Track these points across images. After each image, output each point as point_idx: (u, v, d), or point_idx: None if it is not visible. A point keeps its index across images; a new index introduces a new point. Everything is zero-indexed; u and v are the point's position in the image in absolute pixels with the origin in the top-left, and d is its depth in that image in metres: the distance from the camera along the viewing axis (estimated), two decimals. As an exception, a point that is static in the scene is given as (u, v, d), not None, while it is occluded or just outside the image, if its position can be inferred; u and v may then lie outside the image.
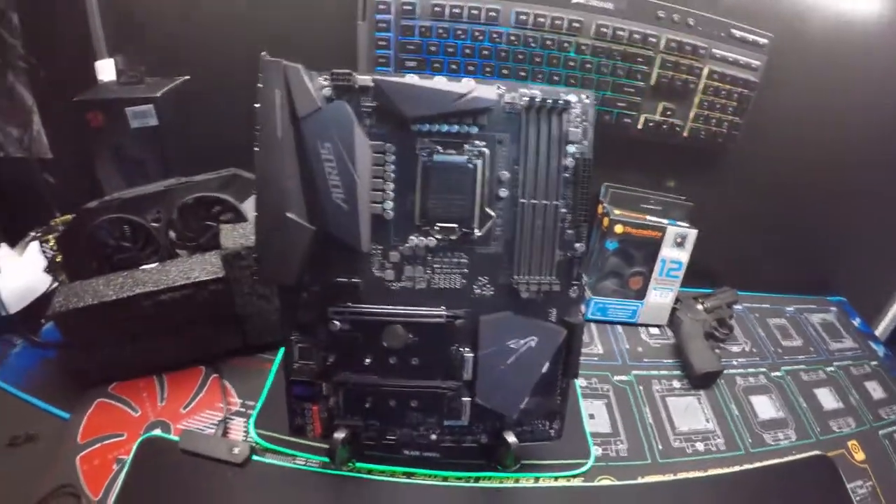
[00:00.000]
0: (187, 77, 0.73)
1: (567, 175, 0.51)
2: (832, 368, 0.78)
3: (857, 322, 0.87)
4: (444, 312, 0.51)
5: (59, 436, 0.58)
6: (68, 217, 0.67)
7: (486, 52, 0.67)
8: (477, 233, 0.50)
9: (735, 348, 0.78)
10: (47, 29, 0.77)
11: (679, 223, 0.74)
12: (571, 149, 0.51)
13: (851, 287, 0.90)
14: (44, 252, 0.65)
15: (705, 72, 0.70)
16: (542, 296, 0.52)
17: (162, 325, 0.62)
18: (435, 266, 0.51)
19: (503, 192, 0.50)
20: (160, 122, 0.66)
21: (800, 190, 0.82)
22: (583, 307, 0.54)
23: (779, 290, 0.89)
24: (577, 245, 0.52)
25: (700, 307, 0.77)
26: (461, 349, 0.52)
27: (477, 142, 0.49)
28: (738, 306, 0.83)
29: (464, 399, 0.53)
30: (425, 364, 0.52)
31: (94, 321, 0.60)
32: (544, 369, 0.52)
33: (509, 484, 0.58)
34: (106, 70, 0.73)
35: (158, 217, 0.63)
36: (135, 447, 0.57)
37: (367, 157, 0.47)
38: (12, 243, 0.75)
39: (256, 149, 0.45)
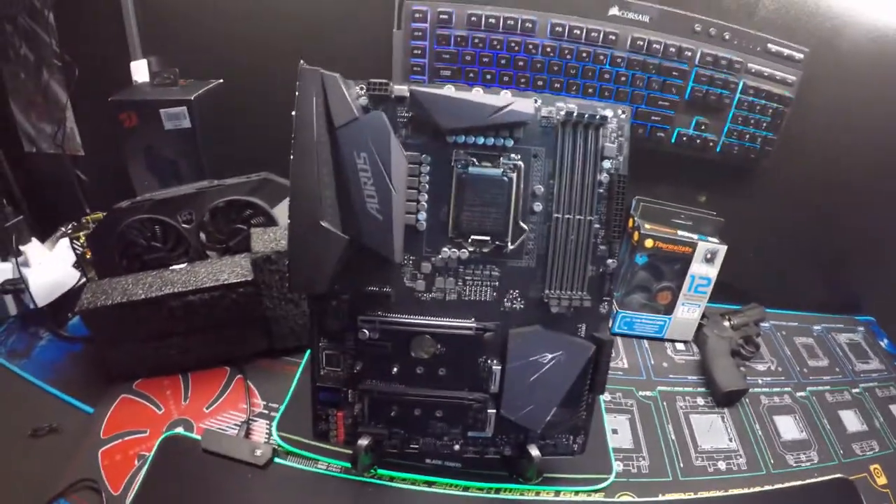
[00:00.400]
0: (221, 80, 0.73)
1: (601, 191, 0.50)
2: (858, 390, 0.76)
3: (884, 343, 0.85)
4: (473, 325, 0.50)
5: (82, 429, 0.59)
6: (99, 215, 0.68)
7: (521, 63, 0.66)
8: (510, 246, 0.50)
9: (761, 367, 0.76)
10: (82, 28, 0.78)
11: (709, 238, 0.73)
12: (606, 164, 0.50)
13: (881, 307, 0.88)
14: (73, 248, 0.66)
15: (740, 86, 0.69)
16: (573, 311, 0.51)
17: (189, 325, 0.62)
18: (466, 278, 0.50)
19: (537, 207, 0.50)
20: (193, 125, 0.66)
21: (831, 207, 0.80)
22: (610, 320, 0.53)
23: (807, 309, 0.87)
24: (610, 261, 0.51)
25: (727, 324, 0.76)
26: (489, 361, 0.52)
27: (512, 155, 0.49)
28: (764, 324, 0.81)
29: (489, 411, 0.53)
30: (452, 375, 0.52)
31: (122, 319, 0.60)
32: (570, 385, 0.52)
33: (530, 496, 0.57)
34: (140, 71, 0.74)
35: (189, 219, 0.63)
36: (157, 444, 0.57)
37: (403, 168, 0.47)
38: (43, 238, 0.76)
39: (292, 156, 0.45)
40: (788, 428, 0.69)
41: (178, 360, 0.65)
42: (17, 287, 0.69)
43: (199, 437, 0.58)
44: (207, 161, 0.69)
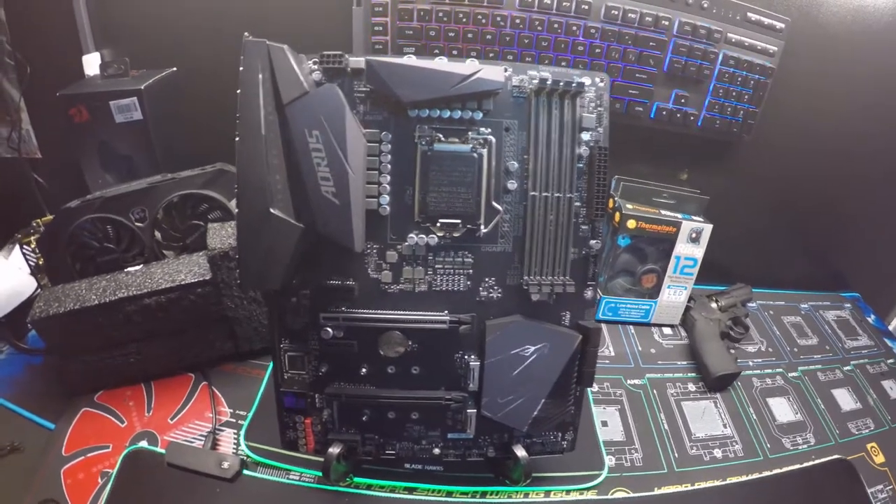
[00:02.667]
0: (174, 69, 0.65)
1: (581, 165, 0.44)
2: (849, 367, 0.71)
3: (871, 319, 0.80)
4: (446, 317, 0.44)
5: (43, 447, 0.53)
6: (49, 218, 0.60)
7: (488, 37, 0.59)
8: (483, 229, 0.43)
9: (751, 348, 0.71)
10: (33, 23, 0.70)
11: (693, 217, 0.66)
12: (586, 136, 0.44)
13: (866, 283, 0.83)
14: (25, 255, 0.58)
15: (720, 57, 0.63)
16: (555, 298, 0.45)
17: (148, 330, 0.55)
18: (437, 266, 0.44)
19: (512, 185, 0.43)
20: (145, 116, 0.59)
21: (814, 182, 0.75)
22: (595, 308, 0.47)
23: (792, 287, 0.82)
24: (593, 242, 0.45)
25: (714, 305, 0.70)
26: (466, 357, 0.45)
27: (482, 129, 0.42)
28: (752, 304, 0.76)
29: (469, 411, 0.46)
30: (427, 373, 0.46)
31: (77, 327, 0.54)
32: (556, 379, 0.45)
33: (518, 499, 0.51)
34: (92, 64, 0.66)
35: (143, 216, 0.56)
36: (119, 460, 0.50)
37: (361, 147, 0.40)
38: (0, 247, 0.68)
39: (237, 138, 0.38)
40: (783, 410, 0.64)
41: (139, 368, 0.58)
42: (-29, 300, 0.61)
43: (163, 452, 0.51)
44: (161, 155, 0.62)
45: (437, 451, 0.48)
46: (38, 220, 0.61)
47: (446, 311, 0.44)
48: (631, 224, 0.64)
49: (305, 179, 0.39)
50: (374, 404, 0.46)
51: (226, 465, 0.51)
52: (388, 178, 0.42)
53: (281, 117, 0.39)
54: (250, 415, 0.56)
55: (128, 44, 0.67)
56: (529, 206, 0.43)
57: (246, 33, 0.39)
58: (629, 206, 0.65)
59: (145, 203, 0.55)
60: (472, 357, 0.45)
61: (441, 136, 0.42)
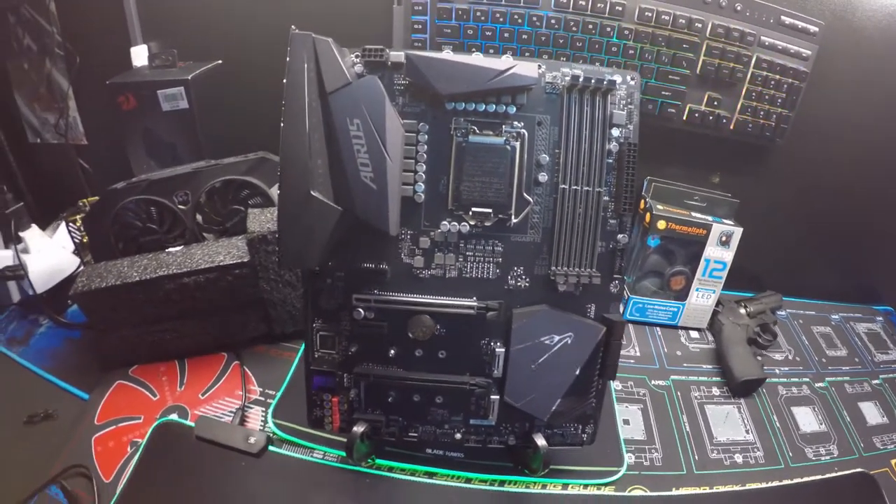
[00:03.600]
0: (219, 61, 0.69)
1: (610, 161, 0.46)
2: (877, 381, 0.70)
3: None
4: (475, 304, 0.46)
5: (76, 416, 0.56)
6: (95, 199, 0.64)
7: (524, 37, 0.62)
8: (513, 219, 0.45)
9: (778, 356, 0.71)
10: (83, 15, 0.75)
11: (724, 220, 0.67)
12: (616, 132, 0.45)
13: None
14: (70, 233, 0.62)
15: (753, 60, 0.64)
16: (581, 289, 0.47)
17: (185, 308, 0.58)
18: (467, 254, 0.46)
19: (542, 177, 0.45)
20: (191, 105, 0.63)
21: (850, 191, 0.74)
22: (621, 305, 0.48)
23: (824, 297, 0.81)
24: (621, 236, 0.46)
25: (743, 311, 0.70)
26: (492, 344, 0.47)
27: (515, 123, 0.45)
28: (781, 312, 0.75)
29: (492, 397, 0.48)
30: (453, 358, 0.48)
31: (117, 302, 0.57)
32: (579, 370, 0.47)
33: (536, 489, 0.52)
34: (140, 56, 0.71)
35: (186, 199, 0.59)
36: (149, 431, 0.54)
37: (399, 136, 0.43)
38: (43, 226, 0.72)
39: (283, 124, 0.41)
40: (807, 420, 0.63)
41: (174, 345, 0.61)
42: (17, 273, 0.65)
43: (192, 424, 0.54)
44: (205, 142, 0.65)
45: (458, 435, 0.50)
46: (85, 200, 0.65)
47: (475, 298, 0.46)
48: (661, 225, 0.65)
49: (346, 165, 0.41)
50: (401, 386, 0.48)
51: (252, 440, 0.54)
52: (424, 167, 0.44)
53: (324, 106, 0.42)
54: (279, 394, 0.58)
55: (174, 37, 0.72)
56: (559, 199, 0.45)
57: (293, 26, 0.42)
58: (660, 206, 0.66)
59: (189, 187, 0.59)
60: (498, 344, 0.47)
61: (476, 128, 0.44)
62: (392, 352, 0.47)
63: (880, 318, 0.80)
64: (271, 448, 0.53)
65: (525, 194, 0.45)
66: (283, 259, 0.43)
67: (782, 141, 0.68)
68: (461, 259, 0.46)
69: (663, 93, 0.64)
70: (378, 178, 0.42)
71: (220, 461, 0.52)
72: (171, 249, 0.59)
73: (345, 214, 0.42)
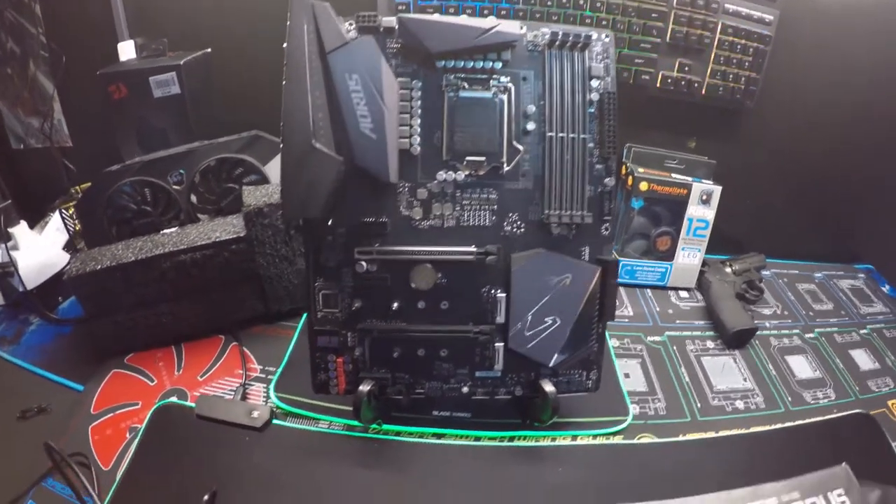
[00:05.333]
0: (208, 50, 0.72)
1: (592, 111, 0.50)
2: (865, 331, 0.74)
3: (886, 288, 0.83)
4: (474, 249, 0.48)
5: (71, 407, 0.56)
6: (88, 185, 0.66)
7: (503, 12, 0.67)
8: (506, 167, 0.49)
9: (766, 311, 0.75)
10: (69, 14, 0.77)
11: (703, 181, 0.72)
12: (595, 83, 0.50)
13: (878, 255, 0.86)
14: (64, 221, 0.63)
15: (719, 26, 0.70)
16: (574, 232, 0.50)
17: (181, 288, 0.59)
18: (464, 203, 0.49)
19: (530, 126, 0.49)
20: (183, 90, 0.66)
21: (822, 152, 0.80)
22: (612, 244, 0.51)
23: (804, 259, 0.86)
24: (607, 180, 0.50)
25: (728, 270, 0.75)
26: (492, 290, 0.50)
27: (502, 78, 0.49)
28: (765, 272, 0.80)
29: (496, 345, 0.50)
30: (455, 308, 0.50)
31: (112, 284, 0.58)
32: (579, 311, 0.49)
33: (546, 443, 0.54)
34: (127, 51, 0.74)
35: (180, 180, 0.61)
36: (149, 415, 0.54)
37: (394, 91, 0.46)
38: (32, 225, 0.73)
39: (284, 82, 0.44)
40: (802, 367, 0.67)
41: (170, 329, 0.62)
42: (7, 270, 0.66)
43: (192, 405, 0.55)
44: (197, 126, 0.68)
45: (465, 389, 0.52)
46: (77, 187, 0.67)
47: (473, 246, 0.49)
48: (643, 186, 0.70)
49: (346, 117, 0.45)
50: (405, 339, 0.50)
51: (255, 414, 0.54)
52: (419, 121, 0.48)
53: (324, 64, 0.45)
54: (280, 368, 0.60)
55: (162, 31, 0.75)
56: (547, 147, 0.49)
57: None
58: (641, 169, 0.70)
59: (183, 166, 0.61)
60: (499, 290, 0.50)
61: (465, 84, 0.48)
62: (395, 305, 0.49)
63: (862, 276, 0.85)
64: (275, 421, 0.54)
65: (515, 143, 0.49)
66: (287, 210, 0.45)
67: (752, 104, 0.74)
68: (458, 208, 0.49)
69: (636, 61, 0.70)
70: (377, 129, 0.45)
71: (224, 438, 0.52)
72: (166, 231, 0.61)
73: (345, 164, 0.45)
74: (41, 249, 0.69)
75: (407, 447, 0.53)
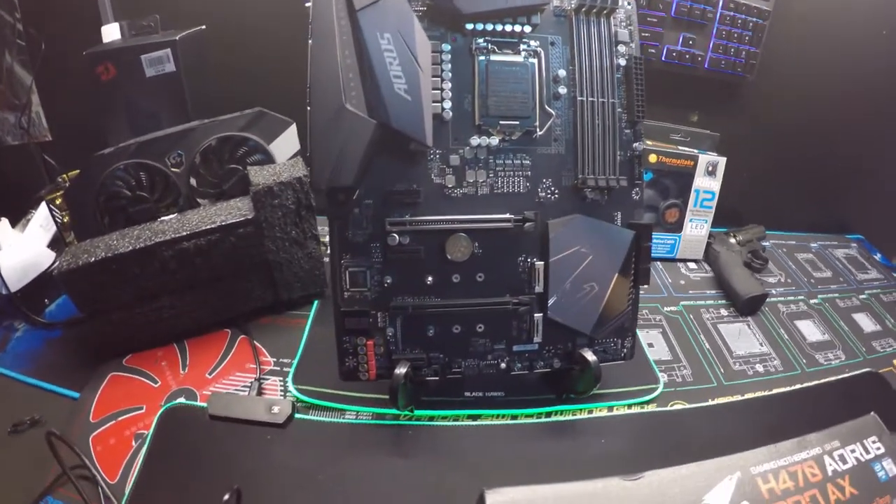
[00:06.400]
0: (203, 27, 0.68)
1: (619, 76, 0.50)
2: (864, 296, 0.78)
3: (878, 256, 0.88)
4: (511, 216, 0.47)
5: (68, 417, 0.51)
6: (76, 172, 0.60)
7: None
8: (538, 132, 0.48)
9: (771, 279, 0.78)
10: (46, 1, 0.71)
11: (708, 152, 0.73)
12: (622, 49, 0.50)
13: (869, 226, 0.91)
14: (52, 213, 0.58)
15: (720, 1, 0.72)
16: (607, 197, 0.50)
17: (183, 279, 0.55)
18: (497, 169, 0.48)
19: (562, 90, 0.48)
20: (178, 68, 0.61)
21: (816, 126, 0.83)
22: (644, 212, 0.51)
23: (800, 230, 0.90)
24: (636, 144, 0.50)
25: (733, 240, 0.77)
26: (529, 260, 0.49)
27: (531, 42, 0.48)
28: (765, 243, 0.83)
29: (535, 315, 0.49)
30: (491, 280, 0.49)
31: (108, 278, 0.53)
32: (616, 277, 0.49)
33: (583, 416, 0.53)
34: (112, 34, 0.68)
35: (179, 161, 0.57)
36: (155, 420, 0.50)
37: (427, 50, 0.45)
38: (13, 224, 0.67)
39: (311, 41, 0.42)
40: (811, 331, 0.69)
41: (172, 325, 0.57)
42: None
43: (204, 405, 0.51)
44: (193, 107, 0.64)
45: (503, 365, 0.51)
46: (65, 175, 0.61)
47: (509, 214, 0.48)
48: (652, 158, 0.71)
49: (379, 79, 0.43)
50: (440, 315, 0.48)
51: (276, 409, 0.51)
52: (450, 85, 0.46)
53: (353, 22, 0.43)
54: (297, 359, 0.56)
55: (147, 12, 0.70)
56: (578, 111, 0.48)
57: None
58: (648, 142, 0.71)
59: (182, 147, 0.57)
60: (536, 259, 0.48)
61: (496, 48, 0.47)
62: (429, 279, 0.47)
63: (854, 245, 0.90)
64: (297, 416, 0.51)
65: (547, 107, 0.48)
66: (316, 178, 0.43)
67: (752, 77, 0.77)
68: (492, 174, 0.48)
69: (643, 34, 0.71)
70: (412, 90, 0.43)
71: (242, 438, 0.49)
72: (164, 218, 0.57)
73: (379, 127, 0.43)
74: (24, 248, 0.63)
75: (444, 431, 0.51)
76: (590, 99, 0.49)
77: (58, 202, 0.58)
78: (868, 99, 0.81)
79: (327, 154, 0.42)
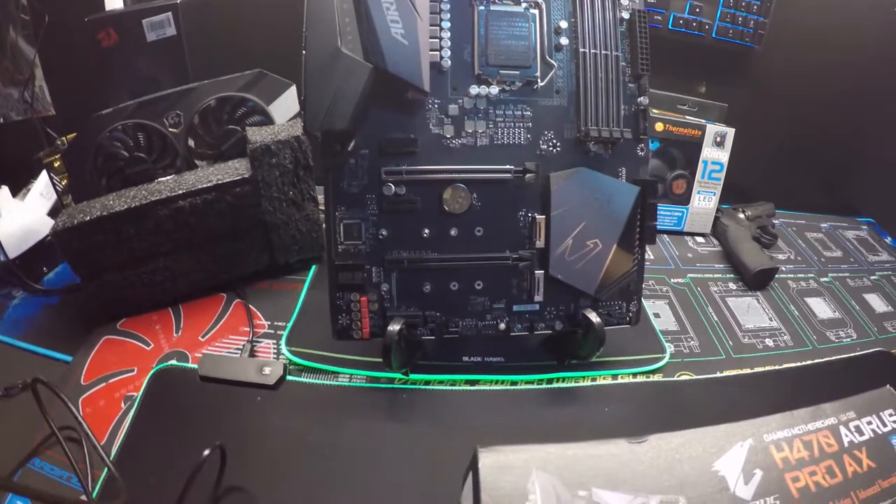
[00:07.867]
0: (206, -7, 0.68)
1: (623, 29, 0.48)
2: (875, 277, 0.75)
3: (888, 240, 0.86)
4: (511, 167, 0.45)
5: (60, 380, 0.50)
6: (74, 135, 0.59)
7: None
8: (539, 83, 0.46)
9: (781, 256, 0.75)
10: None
11: (716, 123, 0.72)
12: (625, 2, 0.48)
13: (879, 210, 0.88)
14: (50, 176, 0.57)
15: (728, -33, 0.71)
16: (611, 152, 0.48)
17: (179, 240, 0.54)
18: (497, 120, 0.46)
19: (564, 41, 0.47)
20: (179, 31, 0.61)
21: (826, 102, 0.80)
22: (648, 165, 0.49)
23: (809, 211, 0.87)
24: (641, 98, 0.49)
25: (742, 216, 0.74)
26: (530, 214, 0.47)
27: (532, -8, 0.46)
28: (774, 221, 0.80)
29: (536, 273, 0.47)
30: (491, 234, 0.47)
31: (103, 237, 0.52)
32: (620, 234, 0.47)
33: (586, 383, 0.51)
34: (114, 2, 0.68)
35: (178, 121, 0.56)
36: (146, 381, 0.49)
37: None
38: (14, 194, 0.66)
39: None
40: (821, 308, 0.67)
41: (166, 288, 0.56)
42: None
43: (195, 367, 0.50)
44: (194, 71, 0.63)
45: (502, 325, 0.49)
46: (64, 138, 0.60)
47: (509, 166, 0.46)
48: (659, 127, 0.69)
49: (376, 22, 0.42)
50: (437, 270, 0.47)
51: (267, 370, 0.49)
52: (448, 34, 0.45)
53: (349, -34, 0.42)
54: (291, 321, 0.55)
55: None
56: (580, 63, 0.47)
57: None
58: (655, 111, 0.69)
59: (180, 107, 0.56)
60: (537, 213, 0.47)
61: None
62: (426, 232, 0.46)
63: (864, 228, 0.87)
64: (289, 377, 0.49)
65: (548, 58, 0.46)
66: (311, 121, 0.42)
67: (761, 48, 0.75)
68: (491, 125, 0.46)
69: (649, 1, 0.69)
70: (409, 35, 0.42)
71: (233, 399, 0.47)
72: (161, 179, 0.56)
73: (374, 72, 0.41)
74: (24, 215, 0.62)
75: (440, 395, 0.49)
76: (592, 51, 0.47)
77: (56, 165, 0.57)
78: (879, 74, 0.78)
79: (322, 97, 0.41)
